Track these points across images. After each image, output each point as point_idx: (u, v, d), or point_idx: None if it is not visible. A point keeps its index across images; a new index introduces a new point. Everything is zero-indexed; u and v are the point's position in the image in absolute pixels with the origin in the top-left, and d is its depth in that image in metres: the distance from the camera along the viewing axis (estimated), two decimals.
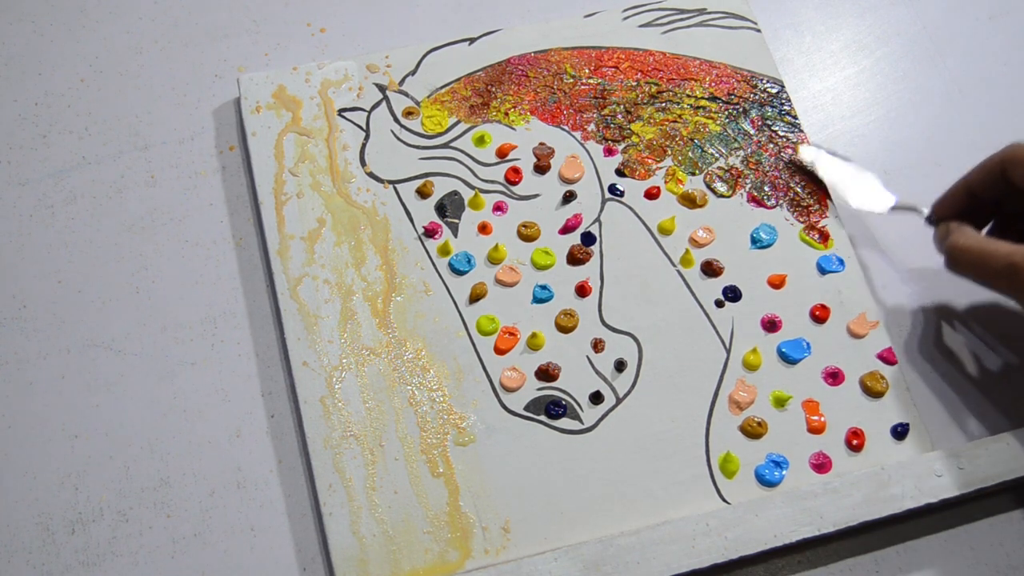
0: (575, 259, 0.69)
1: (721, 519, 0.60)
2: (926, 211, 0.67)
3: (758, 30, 0.77)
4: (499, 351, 0.66)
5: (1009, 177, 0.62)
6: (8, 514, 0.62)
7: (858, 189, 0.70)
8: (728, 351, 0.66)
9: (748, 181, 0.72)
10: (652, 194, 0.71)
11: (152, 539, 0.61)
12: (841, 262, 0.69)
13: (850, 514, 0.61)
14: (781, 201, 0.71)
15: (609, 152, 0.72)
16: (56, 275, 0.68)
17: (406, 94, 0.73)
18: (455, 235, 0.69)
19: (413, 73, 0.74)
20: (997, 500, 0.64)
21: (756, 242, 0.70)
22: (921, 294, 0.69)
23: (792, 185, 0.71)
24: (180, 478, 0.63)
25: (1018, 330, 0.68)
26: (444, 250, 0.68)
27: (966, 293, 0.67)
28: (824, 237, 0.70)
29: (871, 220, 0.72)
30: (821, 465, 0.63)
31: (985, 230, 0.66)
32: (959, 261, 0.62)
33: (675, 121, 0.73)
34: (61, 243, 0.69)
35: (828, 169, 0.71)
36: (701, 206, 0.71)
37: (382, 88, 0.73)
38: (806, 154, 0.72)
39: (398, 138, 0.72)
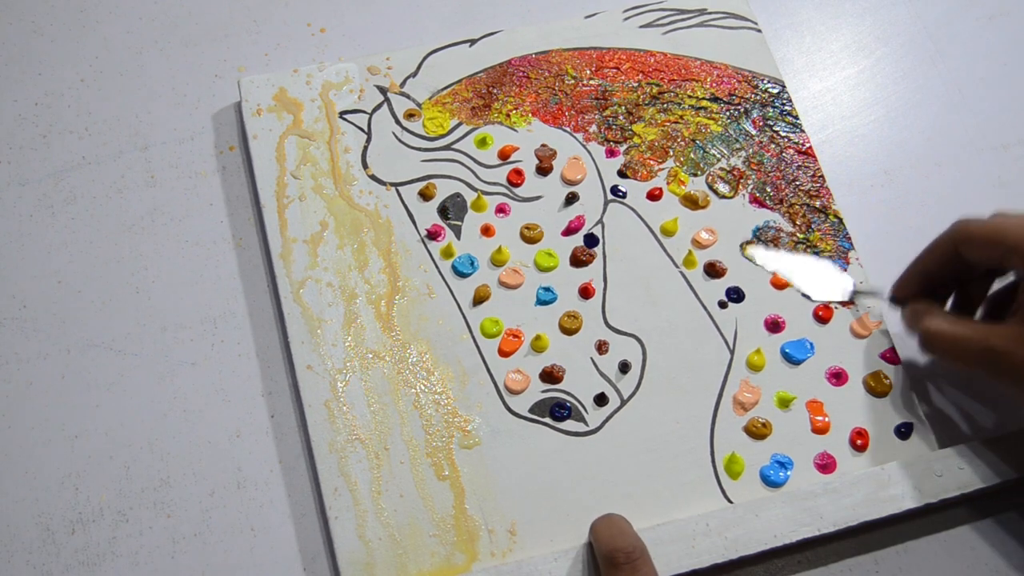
0: (578, 261, 0.69)
1: (721, 519, 0.61)
2: (886, 295, 0.66)
3: (759, 30, 0.77)
4: (503, 353, 0.66)
5: (962, 255, 0.61)
6: (8, 514, 0.62)
7: (816, 280, 0.70)
8: (732, 352, 0.67)
9: (750, 182, 0.72)
10: (654, 195, 0.71)
11: (152, 539, 0.61)
12: (843, 263, 0.69)
13: (850, 514, 0.61)
14: (782, 202, 0.71)
15: (611, 153, 0.72)
16: (56, 275, 0.68)
17: (407, 96, 0.73)
18: (458, 237, 0.69)
19: (414, 75, 0.74)
20: (997, 500, 0.64)
21: None
22: None
23: (794, 188, 0.72)
24: (180, 478, 0.63)
25: None
26: (447, 252, 0.68)
27: None
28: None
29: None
30: (826, 465, 0.64)
31: (948, 303, 0.65)
32: (935, 347, 0.61)
33: (677, 122, 0.73)
34: (61, 243, 0.69)
35: (782, 267, 0.70)
36: (703, 207, 0.71)
37: (383, 90, 0.73)
38: (758, 256, 0.70)
39: (400, 140, 0.72)
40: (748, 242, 0.70)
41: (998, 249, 0.59)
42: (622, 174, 0.72)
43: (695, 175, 0.72)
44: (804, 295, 0.69)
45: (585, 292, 0.68)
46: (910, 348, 0.68)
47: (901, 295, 0.65)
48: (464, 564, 0.60)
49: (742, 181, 0.72)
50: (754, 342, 0.67)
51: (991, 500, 0.64)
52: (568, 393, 0.65)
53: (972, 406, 0.66)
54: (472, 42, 0.75)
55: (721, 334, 0.67)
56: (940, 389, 0.67)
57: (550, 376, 0.65)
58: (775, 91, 0.75)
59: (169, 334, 0.67)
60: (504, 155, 0.72)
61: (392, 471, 0.62)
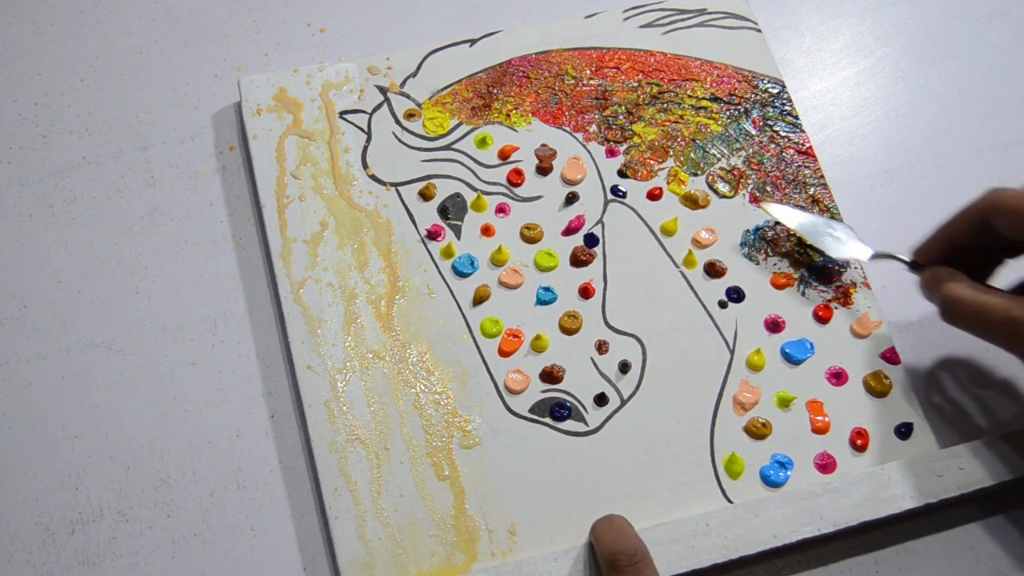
0: (578, 261, 0.69)
1: (721, 519, 0.61)
2: (906, 259, 0.66)
3: (759, 30, 0.77)
4: (503, 353, 0.66)
5: (992, 225, 0.60)
6: (8, 514, 0.62)
7: (835, 241, 0.69)
8: (732, 352, 0.66)
9: (750, 182, 0.72)
10: (654, 195, 0.71)
11: (152, 539, 0.61)
12: (842, 262, 0.69)
13: (850, 514, 0.61)
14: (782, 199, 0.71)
15: (611, 153, 0.72)
16: (56, 275, 0.68)
17: (407, 96, 0.73)
18: (458, 237, 0.69)
19: (414, 75, 0.74)
20: (997, 500, 0.64)
21: None
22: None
23: (794, 188, 0.72)
24: (180, 478, 0.63)
25: None
26: (447, 252, 0.68)
27: None
28: None
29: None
30: (826, 466, 0.64)
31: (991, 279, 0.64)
32: (955, 313, 0.60)
33: (677, 122, 0.73)
34: (61, 243, 0.69)
35: (801, 225, 0.70)
36: (703, 207, 0.71)
37: (383, 90, 0.73)
38: (777, 213, 0.70)
39: (400, 140, 0.72)
40: (762, 199, 0.71)
41: None
42: (622, 174, 0.71)
43: (695, 175, 0.72)
44: (823, 254, 0.69)
45: (585, 292, 0.68)
46: (910, 348, 0.68)
47: (923, 260, 0.65)
48: (464, 564, 0.60)
49: (742, 181, 0.72)
50: (754, 342, 0.67)
51: (991, 500, 0.64)
52: (568, 393, 0.65)
53: (972, 406, 0.66)
54: (472, 42, 0.75)
55: (721, 334, 0.67)
56: (940, 389, 0.67)
57: (550, 376, 0.65)
58: (775, 91, 0.75)
59: (169, 334, 0.67)
60: (504, 155, 0.71)
61: (392, 471, 0.62)
